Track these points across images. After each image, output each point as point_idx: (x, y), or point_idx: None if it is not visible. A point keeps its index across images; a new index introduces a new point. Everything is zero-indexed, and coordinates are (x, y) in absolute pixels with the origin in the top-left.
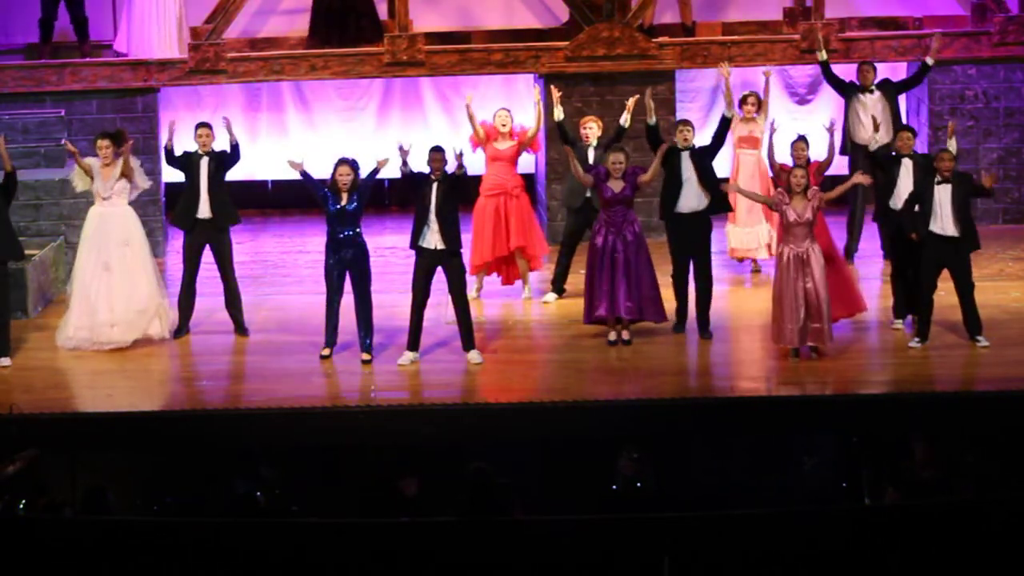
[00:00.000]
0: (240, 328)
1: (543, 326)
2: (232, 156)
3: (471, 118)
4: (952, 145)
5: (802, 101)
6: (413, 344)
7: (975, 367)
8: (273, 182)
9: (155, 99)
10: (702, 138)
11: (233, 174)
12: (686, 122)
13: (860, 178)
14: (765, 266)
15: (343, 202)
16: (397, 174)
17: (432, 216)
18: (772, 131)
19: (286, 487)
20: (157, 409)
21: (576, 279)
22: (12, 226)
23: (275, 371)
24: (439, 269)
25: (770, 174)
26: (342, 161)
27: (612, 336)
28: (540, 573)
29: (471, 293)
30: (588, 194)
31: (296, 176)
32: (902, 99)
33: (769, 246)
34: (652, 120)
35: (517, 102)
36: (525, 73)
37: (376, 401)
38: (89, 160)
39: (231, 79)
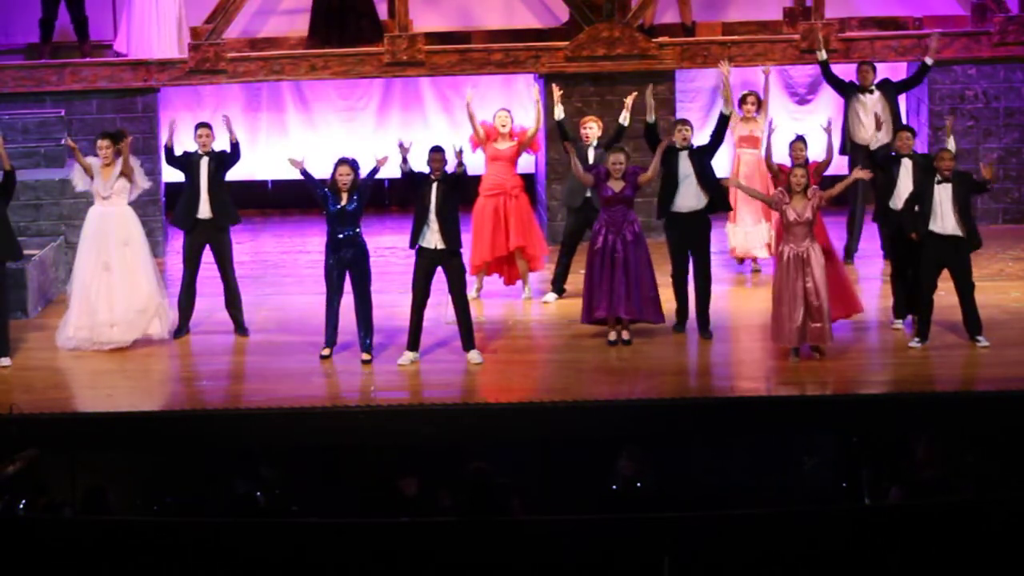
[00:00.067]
0: (240, 328)
1: (543, 326)
2: (232, 156)
3: (471, 116)
4: (951, 143)
5: (802, 101)
6: (413, 344)
7: (975, 367)
8: (273, 182)
9: (155, 99)
10: (702, 137)
11: (233, 174)
12: (684, 121)
13: (860, 173)
14: (765, 266)
15: (343, 202)
16: (397, 173)
17: (432, 216)
18: (770, 131)
19: (286, 487)
20: (157, 409)
21: (576, 279)
22: (11, 226)
23: (275, 371)
24: (439, 269)
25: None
26: (342, 161)
27: (612, 336)
28: (540, 573)
29: (471, 293)
30: (588, 194)
31: (296, 176)
32: (902, 99)
33: (769, 245)
34: (651, 119)
35: (517, 102)
36: (525, 73)
37: (376, 401)
38: (89, 159)
39: (231, 79)
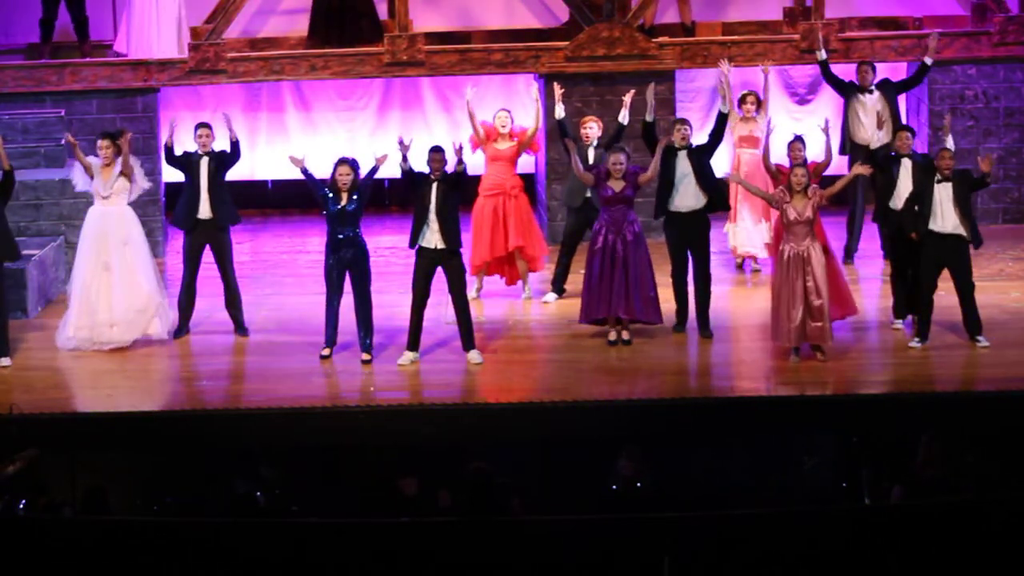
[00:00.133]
0: (240, 328)
1: (543, 326)
2: (232, 155)
3: (471, 116)
4: (949, 142)
5: (802, 101)
6: (413, 344)
7: (975, 367)
8: (273, 182)
9: (155, 99)
10: (702, 137)
11: (233, 174)
12: (683, 121)
13: (860, 168)
14: (764, 265)
15: (343, 202)
16: (397, 173)
17: (432, 216)
18: (769, 132)
19: (286, 487)
20: (157, 409)
21: (576, 279)
22: (8, 226)
23: (275, 371)
24: (439, 269)
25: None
26: (342, 161)
27: (612, 336)
28: (540, 573)
29: (471, 293)
30: (588, 194)
31: (296, 176)
32: (902, 99)
33: (768, 245)
34: (650, 118)
35: (517, 102)
36: (525, 73)
37: (376, 401)
38: (89, 159)
39: (231, 79)
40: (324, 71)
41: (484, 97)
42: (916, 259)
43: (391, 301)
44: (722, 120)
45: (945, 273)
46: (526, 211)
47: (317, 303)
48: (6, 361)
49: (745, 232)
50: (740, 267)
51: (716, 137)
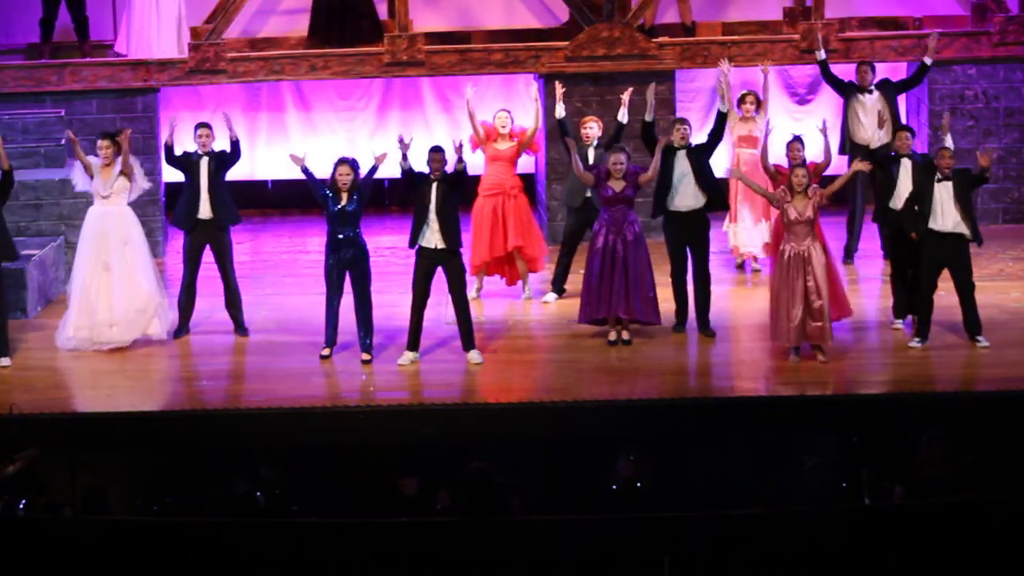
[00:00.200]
0: (240, 328)
1: (543, 326)
2: (232, 155)
3: (471, 114)
4: (948, 141)
5: (802, 101)
6: (413, 344)
7: (975, 367)
8: (273, 182)
9: (155, 99)
10: (701, 137)
11: (233, 174)
12: (682, 120)
13: (859, 165)
14: (764, 265)
15: (343, 202)
16: (397, 172)
17: (432, 215)
18: (767, 133)
19: (286, 487)
20: (157, 409)
21: (576, 279)
22: (6, 226)
23: (275, 371)
24: (439, 269)
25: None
26: (342, 161)
27: (612, 336)
28: (540, 573)
29: (471, 293)
30: (588, 193)
31: (296, 175)
32: (902, 99)
33: (767, 245)
34: (649, 118)
35: (517, 102)
36: (525, 73)
37: (376, 401)
38: (89, 159)
39: (231, 79)
40: (324, 71)
41: (484, 97)
42: (916, 259)
43: (391, 301)
44: (722, 120)
45: (945, 273)
46: (525, 211)
47: (317, 303)
48: (6, 361)
49: (746, 232)
50: (740, 267)
51: (715, 137)
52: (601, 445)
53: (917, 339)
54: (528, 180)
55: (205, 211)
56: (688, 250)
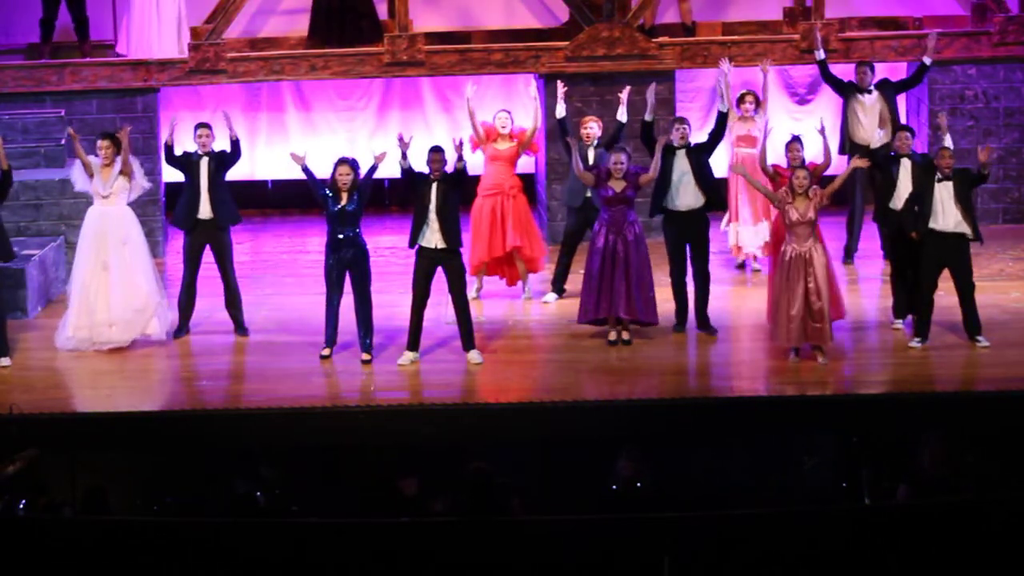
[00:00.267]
0: (240, 328)
1: (543, 326)
2: (232, 154)
3: (471, 113)
4: (947, 140)
5: (802, 101)
6: (413, 344)
7: (975, 367)
8: (273, 182)
9: (155, 99)
10: (701, 137)
11: (233, 174)
12: (682, 120)
13: (858, 162)
14: (763, 264)
15: (343, 202)
16: (397, 172)
17: (432, 215)
18: (767, 134)
19: (286, 487)
20: (157, 409)
21: (576, 279)
22: (3, 227)
23: (275, 371)
24: (439, 269)
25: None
26: (342, 161)
27: (612, 336)
28: (540, 573)
29: (471, 293)
30: (588, 193)
31: (296, 175)
32: (901, 99)
33: (766, 244)
34: (649, 117)
35: (517, 102)
36: (525, 73)
37: (376, 401)
38: (89, 158)
39: (231, 79)
40: (324, 71)
41: (484, 97)
42: (916, 259)
43: (391, 301)
44: (722, 120)
45: (945, 273)
46: (524, 211)
47: (317, 303)
48: (6, 361)
49: (747, 231)
50: (741, 267)
51: (716, 137)
52: (601, 445)
53: (917, 339)
54: (528, 180)
55: (205, 211)
56: (688, 250)
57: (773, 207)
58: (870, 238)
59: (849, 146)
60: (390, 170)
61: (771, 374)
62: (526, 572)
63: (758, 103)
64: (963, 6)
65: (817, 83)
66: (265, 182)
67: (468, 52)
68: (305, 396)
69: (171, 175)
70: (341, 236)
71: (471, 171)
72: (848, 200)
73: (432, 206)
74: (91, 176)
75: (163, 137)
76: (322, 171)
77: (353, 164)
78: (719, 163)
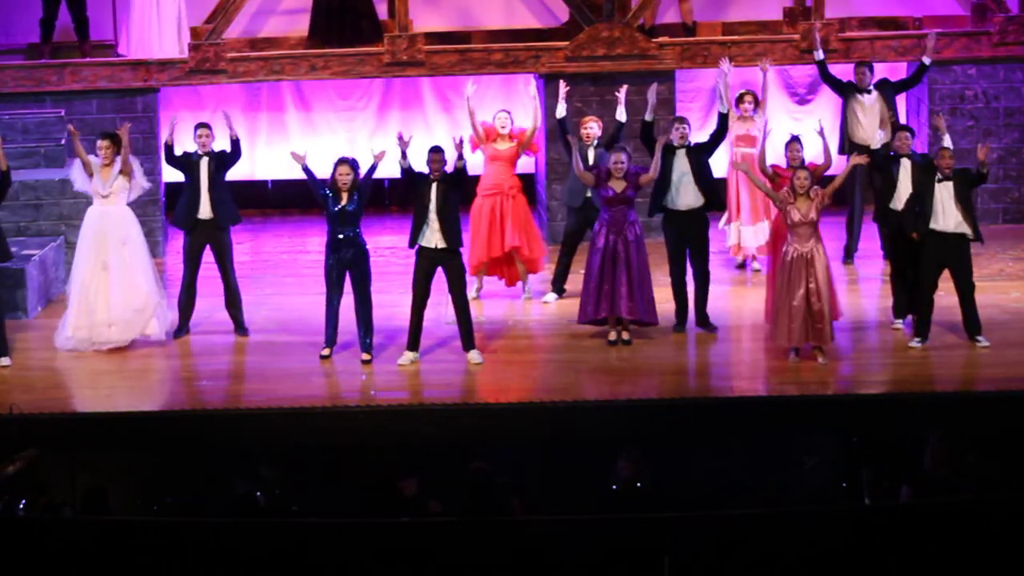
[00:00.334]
0: (240, 328)
1: (543, 326)
2: (232, 154)
3: (471, 113)
4: (947, 140)
5: (802, 101)
6: (413, 344)
7: (975, 367)
8: (273, 182)
9: (155, 99)
10: (701, 137)
11: (233, 174)
12: (682, 119)
13: (857, 159)
14: (763, 264)
15: (343, 202)
16: (397, 172)
17: (432, 215)
18: (766, 135)
19: (286, 487)
20: (157, 409)
21: (576, 279)
22: (1, 227)
23: (275, 371)
24: (439, 269)
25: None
26: (342, 161)
27: (612, 336)
28: (540, 573)
29: (471, 293)
30: (588, 193)
31: (296, 175)
32: (901, 99)
33: (766, 244)
34: (649, 117)
35: (517, 102)
36: (525, 73)
37: (376, 401)
38: (89, 157)
39: (231, 79)
40: (324, 71)
41: (484, 97)
42: (916, 259)
43: (391, 301)
44: (723, 121)
45: (945, 273)
46: (524, 211)
47: (317, 303)
48: (6, 361)
49: (747, 230)
50: (741, 266)
51: (717, 138)
52: (601, 445)
53: (917, 339)
54: (528, 180)
55: (205, 211)
56: (687, 250)
57: (773, 206)
58: (870, 238)
59: (848, 146)
60: (390, 170)
61: (771, 374)
62: (526, 572)
63: (757, 103)
64: (963, 6)
65: (817, 83)
66: (265, 182)
67: (468, 52)
68: (305, 396)
69: (171, 175)
70: (341, 236)
71: (471, 171)
72: (848, 200)
73: (432, 206)
74: (91, 175)
75: (163, 137)
76: (322, 171)
77: (353, 164)
78: (719, 163)
